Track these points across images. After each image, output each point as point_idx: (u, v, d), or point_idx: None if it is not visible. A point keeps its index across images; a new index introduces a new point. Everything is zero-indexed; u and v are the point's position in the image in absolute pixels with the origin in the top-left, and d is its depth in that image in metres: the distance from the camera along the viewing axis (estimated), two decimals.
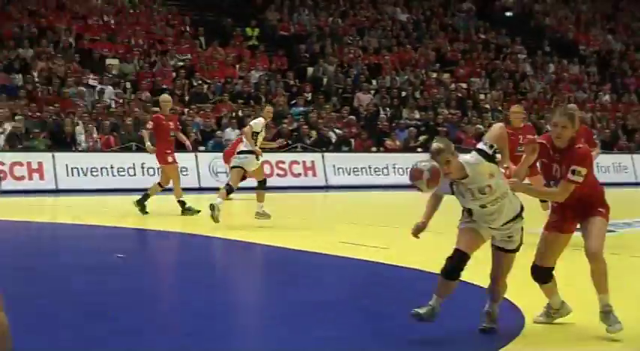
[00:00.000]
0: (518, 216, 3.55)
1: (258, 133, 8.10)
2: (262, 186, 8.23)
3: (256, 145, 8.02)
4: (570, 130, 3.53)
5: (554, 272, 3.72)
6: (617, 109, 18.39)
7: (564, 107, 4.40)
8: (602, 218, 3.62)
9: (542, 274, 3.71)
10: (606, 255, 3.63)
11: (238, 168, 8.06)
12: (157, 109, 10.38)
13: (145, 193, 9.03)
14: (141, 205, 8.86)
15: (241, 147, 8.14)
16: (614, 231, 6.51)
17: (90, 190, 12.36)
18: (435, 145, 3.43)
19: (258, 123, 8.19)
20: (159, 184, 9.16)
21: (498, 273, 3.60)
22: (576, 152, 3.51)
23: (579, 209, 3.62)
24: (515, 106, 8.07)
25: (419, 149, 14.22)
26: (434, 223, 3.60)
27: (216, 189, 8.91)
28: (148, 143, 9.10)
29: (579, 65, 19.52)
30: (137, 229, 8.18)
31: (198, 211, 8.74)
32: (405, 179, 4.01)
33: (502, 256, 3.59)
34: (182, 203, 8.91)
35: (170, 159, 9.00)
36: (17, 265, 5.51)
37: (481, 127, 16.24)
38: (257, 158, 8.08)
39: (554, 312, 3.79)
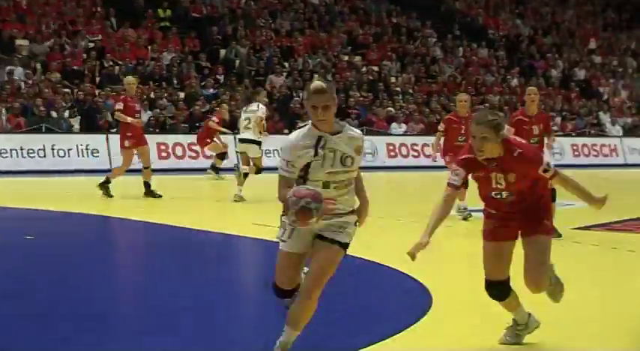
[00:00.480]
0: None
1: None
2: (257, 172, 8.69)
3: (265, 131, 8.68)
4: (493, 140, 2.98)
5: (511, 284, 3.17)
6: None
7: (481, 114, 3.30)
8: (546, 236, 3.16)
9: (497, 289, 3.17)
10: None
11: (243, 153, 8.80)
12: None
13: (144, 181, 9.11)
14: (148, 190, 8.99)
15: (247, 135, 8.54)
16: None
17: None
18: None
19: (264, 109, 8.70)
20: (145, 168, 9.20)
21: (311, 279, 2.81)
22: (525, 157, 3.04)
23: (523, 220, 3.13)
24: (461, 94, 7.99)
25: None
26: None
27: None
28: (130, 119, 8.95)
29: (488, 49, 20.29)
30: (51, 212, 8.13)
31: (109, 196, 8.92)
32: None
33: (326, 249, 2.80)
34: (105, 184, 8.95)
35: (127, 143, 8.96)
36: None
37: (392, 109, 16.83)
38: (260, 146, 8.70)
39: (521, 328, 3.24)
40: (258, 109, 8.59)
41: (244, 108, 9.00)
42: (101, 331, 3.49)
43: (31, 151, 13.21)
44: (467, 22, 20.80)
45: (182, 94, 15.37)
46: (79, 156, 13.49)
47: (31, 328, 3.50)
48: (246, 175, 8.65)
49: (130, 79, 9.81)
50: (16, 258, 5.43)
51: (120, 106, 9.10)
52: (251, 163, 8.75)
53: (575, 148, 16.86)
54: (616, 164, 16.88)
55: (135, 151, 9.12)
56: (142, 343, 3.30)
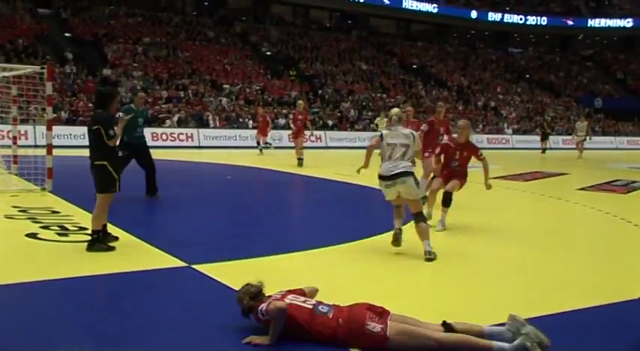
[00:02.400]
0: None
1: None
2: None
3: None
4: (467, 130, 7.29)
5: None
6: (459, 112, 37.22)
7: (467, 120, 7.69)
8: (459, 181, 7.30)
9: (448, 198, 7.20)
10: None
11: None
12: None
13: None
14: None
15: None
16: None
17: None
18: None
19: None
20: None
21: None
22: (474, 146, 7.33)
23: (454, 177, 7.33)
24: (441, 103, 9.94)
25: None
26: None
27: None
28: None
29: (446, 91, 38.44)
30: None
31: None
32: None
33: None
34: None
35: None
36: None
37: None
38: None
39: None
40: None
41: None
42: None
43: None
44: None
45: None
46: None
47: None
48: None
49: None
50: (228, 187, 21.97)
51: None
52: None
53: (489, 139, 34.55)
54: (509, 148, 34.67)
55: None
56: None
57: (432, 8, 45.06)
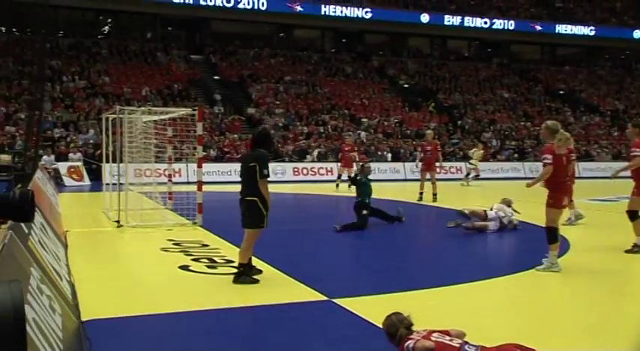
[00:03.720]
0: None
1: None
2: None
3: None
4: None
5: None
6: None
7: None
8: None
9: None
10: None
11: None
12: None
13: None
14: None
15: None
16: None
17: None
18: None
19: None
20: None
21: None
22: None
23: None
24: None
25: None
26: None
27: None
28: None
29: (598, 117, 35.91)
30: None
31: None
32: None
33: None
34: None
35: None
36: None
37: None
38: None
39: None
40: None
41: None
42: None
43: None
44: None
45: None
46: None
47: None
48: None
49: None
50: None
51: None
52: None
53: None
54: None
55: None
56: None
57: (588, 31, 42.81)
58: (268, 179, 6.15)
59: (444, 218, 12.95)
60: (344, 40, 40.46)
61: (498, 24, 40.38)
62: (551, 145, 6.87)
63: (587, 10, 44.81)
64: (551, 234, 6.75)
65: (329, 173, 24.80)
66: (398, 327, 3.90)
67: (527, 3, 43.40)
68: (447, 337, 3.79)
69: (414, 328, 3.92)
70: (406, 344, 3.76)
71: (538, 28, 41.55)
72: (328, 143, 27.78)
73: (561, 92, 40.23)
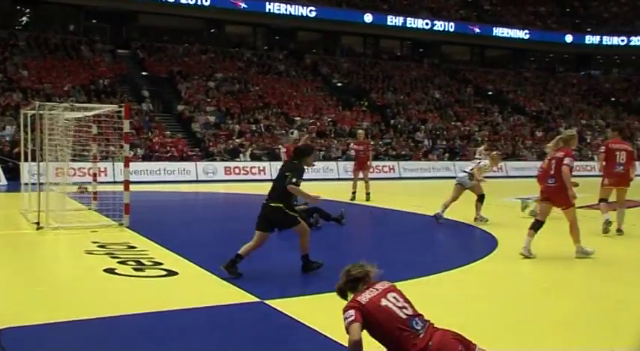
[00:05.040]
0: None
1: None
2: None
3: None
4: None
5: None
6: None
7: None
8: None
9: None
10: None
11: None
12: None
13: None
14: None
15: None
16: None
17: None
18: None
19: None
20: None
21: None
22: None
23: None
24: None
25: None
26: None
27: None
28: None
29: (524, 118, 37.40)
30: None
31: None
32: None
33: None
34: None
35: None
36: None
37: None
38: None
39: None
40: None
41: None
42: None
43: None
44: None
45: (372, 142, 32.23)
46: None
47: None
48: None
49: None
50: None
51: None
52: None
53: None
54: (595, 175, 33.19)
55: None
56: None
57: (523, 34, 44.47)
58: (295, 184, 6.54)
59: (378, 217, 13.15)
60: (276, 38, 40.38)
61: (439, 26, 41.45)
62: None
63: (515, 14, 46.60)
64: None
65: (262, 172, 24.70)
66: (340, 278, 3.86)
67: (457, 5, 44.70)
68: (401, 302, 3.71)
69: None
70: (346, 310, 3.67)
71: (477, 30, 42.88)
72: (261, 141, 27.68)
73: (490, 93, 41.66)
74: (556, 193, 7.76)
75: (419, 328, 3.59)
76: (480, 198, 11.19)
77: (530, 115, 39.39)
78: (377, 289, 3.75)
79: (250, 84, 33.38)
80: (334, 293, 5.71)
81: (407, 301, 3.75)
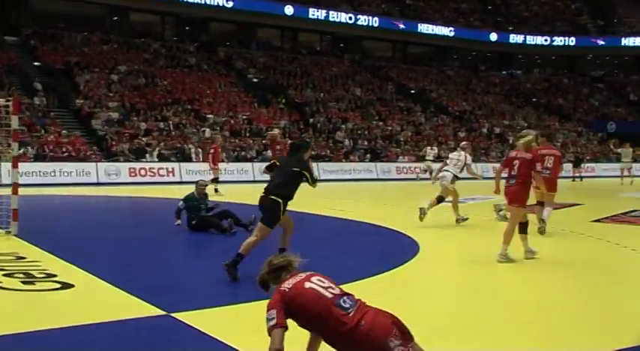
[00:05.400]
0: None
1: None
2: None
3: None
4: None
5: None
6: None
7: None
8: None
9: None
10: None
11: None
12: None
13: None
14: None
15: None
16: None
17: None
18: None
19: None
20: None
21: None
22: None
23: None
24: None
25: None
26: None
27: None
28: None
29: (447, 117, 38.78)
30: None
31: None
32: None
33: None
34: None
35: None
36: None
37: None
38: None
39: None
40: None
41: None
42: None
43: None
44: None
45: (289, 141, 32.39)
46: None
47: None
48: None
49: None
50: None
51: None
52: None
53: (495, 169, 34.72)
54: None
55: None
56: None
57: (447, 31, 45.90)
58: None
59: (295, 222, 13.18)
60: (187, 28, 39.77)
61: (362, 20, 42.11)
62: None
63: (437, 9, 48.11)
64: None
65: (170, 174, 24.22)
66: (261, 270, 3.89)
67: None
68: (326, 283, 3.72)
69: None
70: (269, 306, 3.68)
71: (401, 26, 43.90)
72: (169, 141, 27.14)
73: (412, 91, 42.77)
74: (515, 192, 8.18)
75: (347, 306, 3.58)
76: (440, 199, 11.66)
77: (453, 115, 40.73)
78: (301, 276, 3.78)
79: (158, 78, 32.65)
80: (248, 304, 5.69)
81: (333, 282, 3.77)
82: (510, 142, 38.22)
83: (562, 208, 13.87)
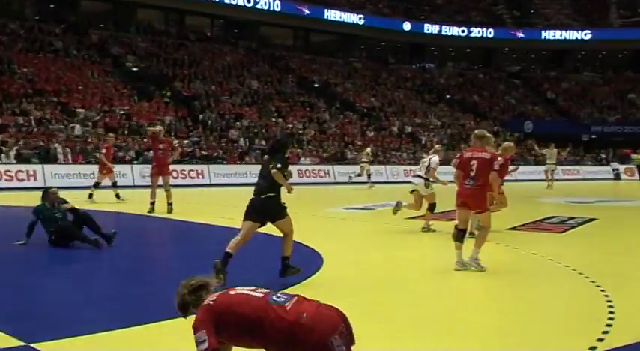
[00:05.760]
0: None
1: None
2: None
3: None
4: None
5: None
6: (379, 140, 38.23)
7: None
8: None
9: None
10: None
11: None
12: None
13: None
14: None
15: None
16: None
17: None
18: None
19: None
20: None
21: None
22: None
23: None
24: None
25: None
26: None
27: None
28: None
29: (355, 115, 39.44)
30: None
31: None
32: None
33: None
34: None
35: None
36: None
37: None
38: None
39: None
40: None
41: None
42: None
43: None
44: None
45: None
46: None
47: None
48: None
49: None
50: None
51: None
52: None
53: (407, 172, 35.61)
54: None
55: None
56: None
57: (357, 19, 46.67)
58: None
59: (183, 233, 12.94)
60: (52, 6, 38.38)
61: (263, 3, 42.09)
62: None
63: None
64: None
65: (31, 178, 23.23)
66: (180, 292, 3.87)
67: None
68: (252, 287, 3.78)
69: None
70: (205, 302, 3.70)
71: (306, 11, 44.18)
72: (31, 139, 26.07)
73: (315, 85, 43.23)
74: (474, 196, 8.43)
75: (282, 299, 3.63)
76: (431, 207, 12.26)
77: (360, 112, 41.51)
78: (222, 290, 3.82)
79: (16, 65, 31.33)
80: (122, 330, 5.53)
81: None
82: (422, 142, 39.46)
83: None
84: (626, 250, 10.82)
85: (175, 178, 17.56)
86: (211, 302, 3.68)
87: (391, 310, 6.68)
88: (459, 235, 8.56)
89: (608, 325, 5.86)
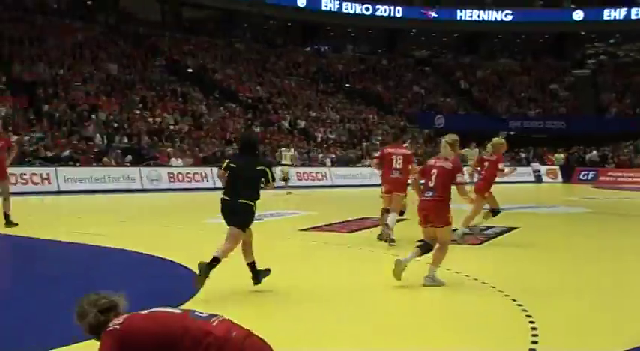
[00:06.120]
0: None
1: None
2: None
3: None
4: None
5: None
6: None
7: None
8: None
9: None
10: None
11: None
12: None
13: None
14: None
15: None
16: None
17: None
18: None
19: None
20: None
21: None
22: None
23: None
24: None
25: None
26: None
27: None
28: None
29: (238, 106, 39.46)
30: None
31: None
32: None
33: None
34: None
35: None
36: None
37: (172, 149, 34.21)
38: None
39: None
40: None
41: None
42: None
43: None
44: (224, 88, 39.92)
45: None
46: None
47: None
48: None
49: None
50: None
51: None
52: None
53: (299, 175, 35.89)
54: (326, 185, 36.23)
55: None
56: None
57: None
58: None
59: (27, 253, 12.56)
60: None
61: None
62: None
63: None
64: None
65: None
66: (87, 313, 3.91)
67: None
68: (168, 307, 3.95)
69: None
70: (110, 328, 3.77)
71: None
72: None
73: (190, 70, 42.92)
74: (434, 208, 8.91)
75: (205, 316, 3.81)
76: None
77: (244, 104, 41.52)
78: (129, 313, 3.92)
79: None
80: None
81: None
82: (318, 140, 39.92)
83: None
84: (547, 263, 11.38)
85: (14, 183, 16.90)
86: (117, 327, 3.76)
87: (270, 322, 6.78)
88: (422, 247, 9.07)
89: (534, 342, 6.22)
